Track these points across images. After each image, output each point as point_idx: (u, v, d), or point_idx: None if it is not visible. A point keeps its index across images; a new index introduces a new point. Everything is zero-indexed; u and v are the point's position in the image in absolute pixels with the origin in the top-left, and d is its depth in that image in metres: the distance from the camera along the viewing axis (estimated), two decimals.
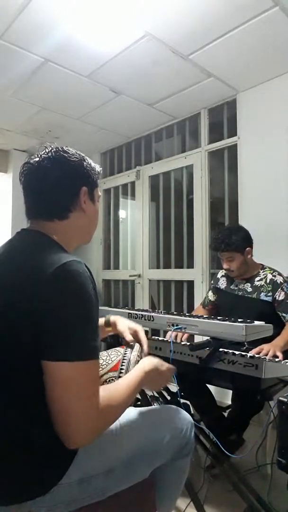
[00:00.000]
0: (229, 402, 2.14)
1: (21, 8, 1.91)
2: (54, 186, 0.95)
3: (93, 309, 0.81)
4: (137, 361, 1.16)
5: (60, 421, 0.77)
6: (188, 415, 1.20)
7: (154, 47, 2.24)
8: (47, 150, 0.97)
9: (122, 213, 4.14)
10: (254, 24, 2.04)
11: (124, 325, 1.25)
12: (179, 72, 2.52)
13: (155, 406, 1.40)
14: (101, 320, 1.29)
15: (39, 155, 0.97)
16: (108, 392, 0.84)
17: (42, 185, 0.95)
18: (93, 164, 1.03)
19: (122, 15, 1.97)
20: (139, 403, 1.84)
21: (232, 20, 2.03)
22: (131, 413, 1.08)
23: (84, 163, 0.99)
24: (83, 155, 1.01)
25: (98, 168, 1.05)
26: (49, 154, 0.96)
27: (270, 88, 2.63)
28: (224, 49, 2.26)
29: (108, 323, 1.29)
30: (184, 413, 1.19)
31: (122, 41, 2.19)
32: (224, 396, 2.34)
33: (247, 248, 2.01)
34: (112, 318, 1.30)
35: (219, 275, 2.26)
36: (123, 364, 1.35)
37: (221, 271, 2.27)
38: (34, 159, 0.97)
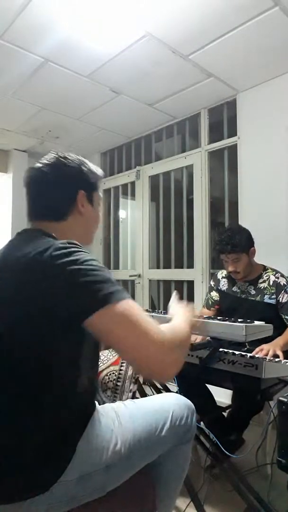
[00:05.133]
0: (229, 402, 2.14)
1: (21, 8, 1.91)
2: (51, 190, 1.00)
3: (101, 266, 0.83)
4: None
5: (133, 361, 0.80)
6: (188, 401, 1.19)
7: (154, 47, 2.24)
8: (49, 157, 1.02)
9: (122, 213, 4.14)
10: (254, 24, 2.04)
11: None
12: (179, 72, 2.52)
13: (154, 395, 1.39)
14: None
15: (41, 162, 1.02)
16: (167, 327, 0.87)
17: (40, 189, 1.01)
18: (93, 168, 1.07)
19: (122, 15, 1.97)
20: (137, 396, 1.84)
21: (232, 20, 2.03)
22: (129, 404, 1.08)
23: (83, 167, 1.03)
24: (83, 159, 1.06)
25: (99, 172, 1.09)
26: (50, 160, 1.02)
27: (270, 88, 2.63)
28: (224, 49, 2.26)
29: None
30: (184, 399, 1.19)
31: (122, 41, 2.19)
32: (224, 396, 2.33)
33: (251, 248, 1.99)
34: None
35: (219, 276, 2.21)
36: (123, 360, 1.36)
37: (221, 271, 2.23)
38: (36, 165, 1.03)
